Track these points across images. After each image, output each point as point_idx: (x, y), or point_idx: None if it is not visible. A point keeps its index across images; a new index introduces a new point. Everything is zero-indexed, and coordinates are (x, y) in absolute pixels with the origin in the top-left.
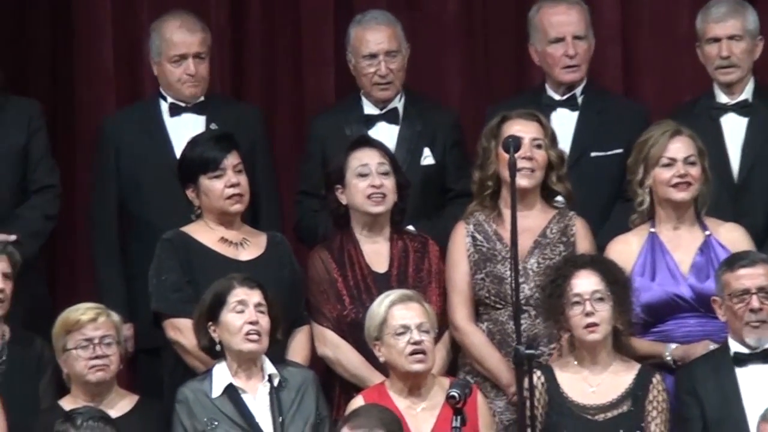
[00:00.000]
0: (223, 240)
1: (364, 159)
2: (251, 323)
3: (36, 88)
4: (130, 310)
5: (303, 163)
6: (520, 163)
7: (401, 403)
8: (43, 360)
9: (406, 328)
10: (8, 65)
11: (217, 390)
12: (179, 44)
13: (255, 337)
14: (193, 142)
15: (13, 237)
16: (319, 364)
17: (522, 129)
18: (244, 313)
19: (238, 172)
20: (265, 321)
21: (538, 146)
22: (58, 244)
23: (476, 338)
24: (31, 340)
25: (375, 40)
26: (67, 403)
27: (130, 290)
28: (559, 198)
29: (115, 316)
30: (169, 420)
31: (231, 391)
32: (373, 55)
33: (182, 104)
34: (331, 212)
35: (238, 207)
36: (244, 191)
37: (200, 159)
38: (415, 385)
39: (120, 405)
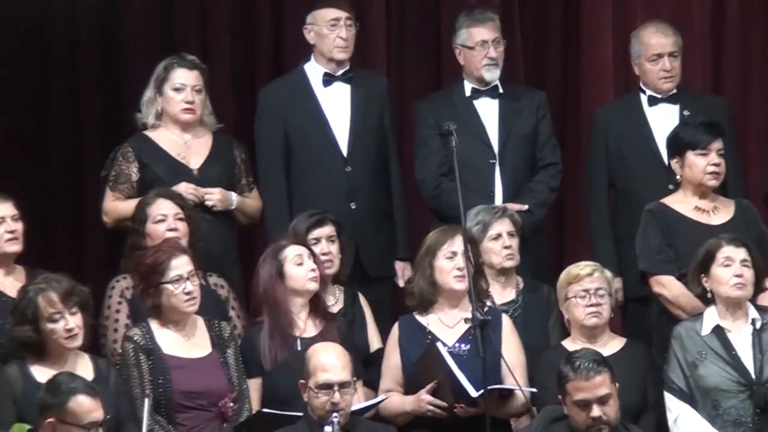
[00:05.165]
0: (697, 208)
1: None
2: (737, 276)
3: (551, 82)
4: (620, 267)
5: None
6: None
7: None
8: (550, 303)
9: None
10: (531, 66)
11: (706, 329)
12: (655, 45)
13: (740, 285)
14: (686, 123)
15: (525, 206)
16: None
17: None
18: (730, 267)
19: (721, 156)
20: (749, 274)
21: None
22: (567, 211)
23: None
24: (539, 287)
25: None
26: (568, 344)
27: (619, 250)
28: None
29: (608, 273)
30: (653, 361)
31: (718, 330)
32: None
33: (658, 96)
34: None
35: (713, 183)
36: (722, 171)
37: (691, 137)
38: None
39: (611, 345)
